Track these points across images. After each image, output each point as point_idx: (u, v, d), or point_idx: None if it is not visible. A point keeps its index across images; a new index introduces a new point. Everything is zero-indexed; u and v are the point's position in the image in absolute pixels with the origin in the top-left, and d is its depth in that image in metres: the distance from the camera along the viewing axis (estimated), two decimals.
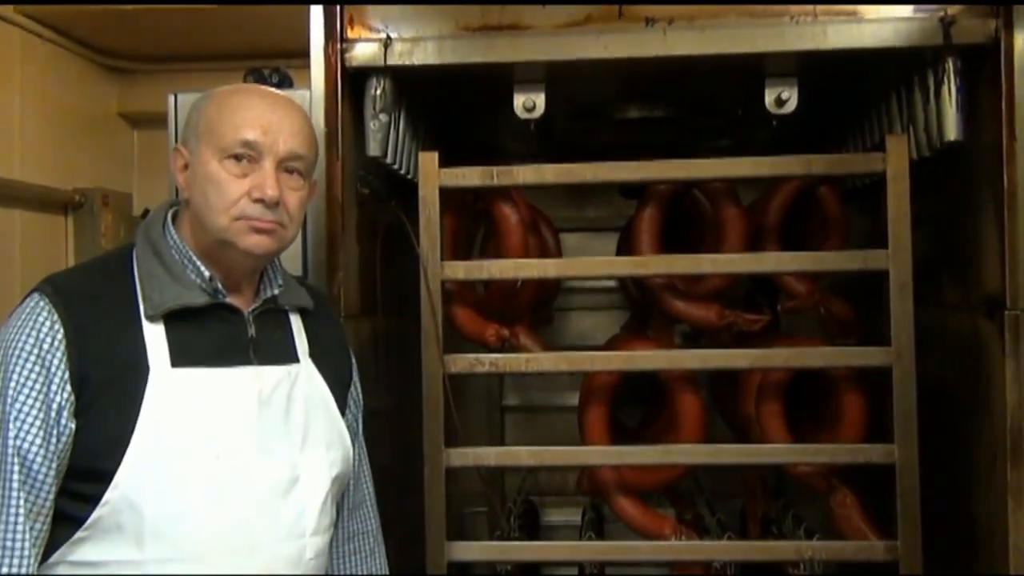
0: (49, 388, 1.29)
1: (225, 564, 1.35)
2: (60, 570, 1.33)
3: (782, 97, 2.04)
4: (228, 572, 1.35)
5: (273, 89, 1.50)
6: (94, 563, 1.32)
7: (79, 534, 1.31)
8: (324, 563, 1.53)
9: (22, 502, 1.28)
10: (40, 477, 1.29)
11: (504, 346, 2.19)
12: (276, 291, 1.51)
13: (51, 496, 1.30)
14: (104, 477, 1.30)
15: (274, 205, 1.38)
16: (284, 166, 1.41)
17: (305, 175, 1.46)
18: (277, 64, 2.31)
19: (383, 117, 2.00)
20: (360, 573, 1.67)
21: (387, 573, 1.72)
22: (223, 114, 1.40)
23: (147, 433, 1.32)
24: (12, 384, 1.29)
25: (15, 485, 1.28)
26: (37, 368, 1.29)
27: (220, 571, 1.35)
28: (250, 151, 1.38)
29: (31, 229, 3.14)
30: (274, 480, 1.42)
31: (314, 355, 1.54)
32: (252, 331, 1.45)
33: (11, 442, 1.28)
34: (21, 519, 1.27)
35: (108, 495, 1.30)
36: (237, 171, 1.38)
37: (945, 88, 1.89)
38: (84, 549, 1.32)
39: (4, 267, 2.97)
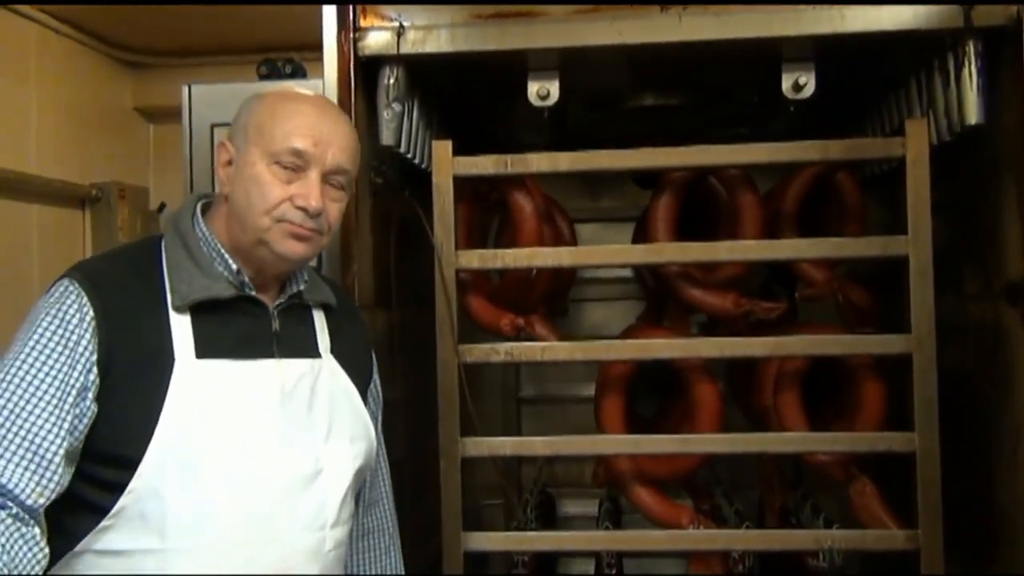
0: (73, 370, 1.30)
1: (245, 554, 1.36)
2: (86, 559, 1.33)
3: (799, 82, 2.01)
4: (248, 562, 1.36)
5: (326, 98, 1.51)
6: (118, 552, 1.32)
7: (104, 523, 1.32)
8: (343, 554, 1.54)
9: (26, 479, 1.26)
10: (49, 456, 1.27)
11: (519, 336, 2.18)
12: (301, 287, 1.52)
13: (57, 479, 1.28)
14: (128, 464, 1.31)
15: (316, 215, 1.40)
16: (328, 178, 1.43)
17: (347, 188, 1.48)
18: (291, 56, 2.31)
19: (396, 106, 2.00)
20: (374, 571, 1.68)
21: (402, 571, 1.72)
22: (276, 119, 1.42)
23: (172, 424, 1.33)
24: (30, 363, 1.29)
25: (16, 461, 1.26)
26: (59, 348, 1.30)
27: (240, 561, 1.36)
28: (298, 160, 1.40)
29: (48, 223, 3.16)
30: (296, 472, 1.42)
31: (336, 351, 1.55)
32: (276, 325, 1.46)
33: (18, 421, 1.27)
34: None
35: (133, 484, 1.30)
36: (283, 177, 1.40)
37: (966, 71, 1.86)
38: (108, 538, 1.32)
39: (22, 261, 2.99)
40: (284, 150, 1.39)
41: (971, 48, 1.86)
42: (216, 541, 1.34)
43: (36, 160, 3.07)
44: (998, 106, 1.88)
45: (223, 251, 1.43)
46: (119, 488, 1.31)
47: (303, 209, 1.39)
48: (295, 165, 1.40)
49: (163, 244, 1.45)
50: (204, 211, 1.49)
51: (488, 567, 2.69)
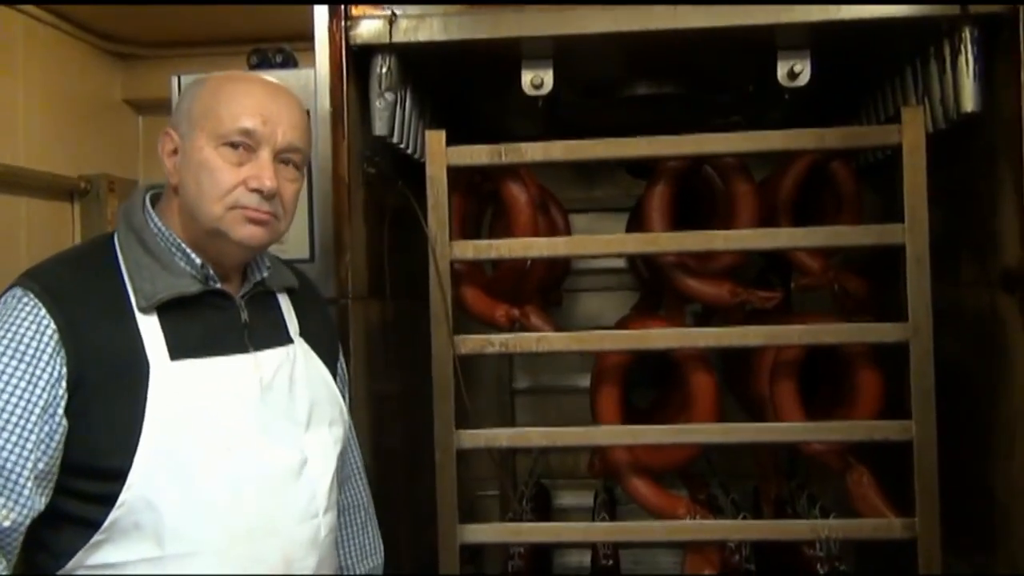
0: (35, 388, 1.24)
1: (245, 551, 1.35)
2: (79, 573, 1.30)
3: (794, 70, 2.00)
4: (250, 558, 1.34)
5: (270, 78, 1.47)
6: (113, 565, 1.29)
7: (96, 537, 1.28)
8: (335, 538, 1.54)
9: None
10: (14, 477, 1.23)
11: (514, 327, 2.17)
12: (264, 274, 1.49)
13: (24, 500, 1.24)
14: (114, 476, 1.27)
15: (271, 196, 1.36)
16: (280, 157, 1.39)
17: (300, 168, 1.44)
18: (281, 46, 2.28)
19: (389, 96, 1.98)
20: (352, 546, 1.68)
21: (380, 545, 1.73)
22: (221, 100, 1.37)
23: (156, 431, 1.29)
24: None
25: None
26: (14, 364, 1.25)
27: (242, 558, 1.34)
28: (248, 140, 1.36)
29: (37, 216, 3.13)
30: (285, 464, 1.41)
31: (304, 334, 1.54)
32: (245, 316, 1.43)
33: None
34: None
35: (123, 496, 1.27)
36: (234, 159, 1.35)
37: (962, 58, 1.85)
38: (102, 552, 1.29)
39: (10, 255, 2.96)
40: (232, 131, 1.35)
41: (967, 35, 1.85)
42: (215, 542, 1.32)
43: (24, 153, 3.03)
44: (994, 93, 1.87)
45: (183, 245, 1.38)
46: (107, 500, 1.27)
47: (257, 191, 1.35)
48: (245, 145, 1.35)
49: (116, 242, 1.39)
50: (155, 203, 1.43)
51: (484, 559, 2.69)
